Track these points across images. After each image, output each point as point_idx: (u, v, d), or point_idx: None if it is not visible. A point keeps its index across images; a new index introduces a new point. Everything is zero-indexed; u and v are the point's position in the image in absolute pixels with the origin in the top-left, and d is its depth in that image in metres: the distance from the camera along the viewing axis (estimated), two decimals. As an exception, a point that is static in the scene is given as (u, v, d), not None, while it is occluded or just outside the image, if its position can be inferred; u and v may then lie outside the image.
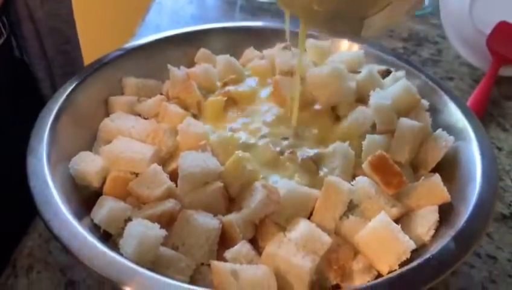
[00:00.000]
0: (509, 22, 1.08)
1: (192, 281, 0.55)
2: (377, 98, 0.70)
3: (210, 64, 0.82)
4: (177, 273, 0.54)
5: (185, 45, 0.88)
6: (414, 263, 0.53)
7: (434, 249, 0.55)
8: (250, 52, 0.89)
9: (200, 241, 0.56)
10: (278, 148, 0.69)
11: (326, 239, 0.56)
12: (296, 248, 0.55)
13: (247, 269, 0.53)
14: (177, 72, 0.79)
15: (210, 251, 0.57)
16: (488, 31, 1.08)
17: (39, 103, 0.89)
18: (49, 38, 0.88)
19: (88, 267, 0.51)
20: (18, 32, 0.87)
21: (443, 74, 1.13)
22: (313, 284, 0.55)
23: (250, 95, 0.77)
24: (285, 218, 0.60)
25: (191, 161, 0.60)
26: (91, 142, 0.72)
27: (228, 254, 0.55)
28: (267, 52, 0.87)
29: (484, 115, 0.99)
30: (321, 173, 0.67)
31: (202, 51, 0.87)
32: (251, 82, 0.81)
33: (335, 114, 0.75)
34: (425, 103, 0.76)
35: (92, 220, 0.60)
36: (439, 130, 0.71)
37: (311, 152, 0.68)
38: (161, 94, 0.80)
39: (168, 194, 0.61)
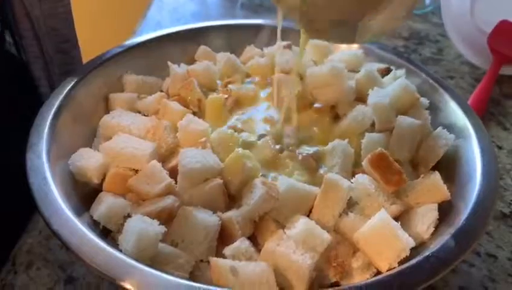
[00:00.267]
0: (510, 21, 1.07)
1: (191, 277, 0.55)
2: (376, 97, 0.70)
3: (210, 62, 0.82)
4: (177, 270, 0.54)
5: (185, 42, 0.88)
6: (413, 261, 0.53)
7: (433, 247, 0.55)
8: (250, 49, 0.89)
9: (199, 238, 0.56)
10: (277, 146, 0.68)
11: (326, 236, 0.56)
12: (295, 245, 0.55)
13: (246, 266, 0.53)
14: (178, 69, 0.79)
15: (209, 247, 0.57)
16: (489, 30, 1.08)
17: (37, 102, 0.90)
18: (47, 37, 0.88)
19: (87, 263, 0.51)
20: (16, 30, 0.87)
21: (444, 72, 1.13)
22: (312, 281, 0.55)
23: (252, 96, 0.78)
24: (285, 215, 0.60)
25: (191, 158, 0.60)
26: (91, 139, 0.72)
27: (227, 250, 0.55)
28: (267, 50, 0.86)
29: (485, 114, 0.99)
30: (321, 171, 0.67)
31: (202, 48, 0.87)
32: (252, 81, 0.81)
33: (334, 113, 0.75)
34: (424, 101, 0.76)
35: (91, 216, 0.60)
36: (439, 129, 0.71)
37: (311, 150, 0.69)
38: (161, 91, 0.80)
39: (168, 191, 0.61)
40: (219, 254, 0.56)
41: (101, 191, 0.63)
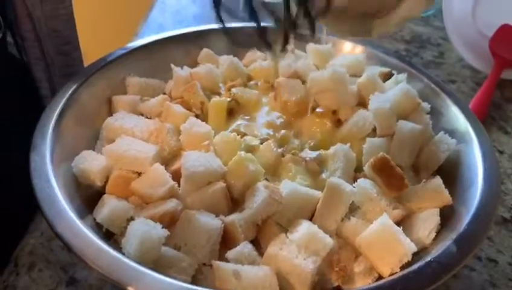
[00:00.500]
0: (512, 25, 1.08)
1: (194, 281, 0.55)
2: (377, 102, 0.70)
3: (213, 65, 0.82)
4: (179, 273, 0.54)
5: (188, 44, 0.88)
6: (415, 266, 0.53)
7: (435, 252, 0.55)
8: (253, 53, 0.89)
9: (201, 242, 0.56)
10: (280, 150, 0.69)
11: (328, 241, 0.56)
12: (297, 249, 0.55)
13: (249, 270, 0.53)
14: (181, 72, 0.79)
15: (212, 251, 0.57)
16: (490, 34, 1.09)
17: (38, 104, 0.90)
18: (48, 38, 0.88)
19: (90, 266, 0.51)
20: (17, 31, 0.87)
21: (445, 76, 1.13)
22: (314, 285, 0.55)
23: (255, 100, 0.78)
24: (287, 219, 0.60)
25: (194, 161, 0.60)
26: (94, 141, 0.72)
27: (230, 254, 0.56)
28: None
29: (486, 118, 0.99)
30: (323, 175, 0.67)
31: (205, 51, 0.87)
32: (254, 84, 0.81)
33: (336, 118, 0.75)
34: (426, 106, 0.76)
35: (94, 218, 0.60)
36: (441, 133, 0.71)
37: (313, 154, 0.69)
38: (164, 94, 0.80)
39: (171, 194, 0.61)
40: (222, 257, 0.56)
41: (104, 193, 0.64)
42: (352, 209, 0.62)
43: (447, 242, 0.55)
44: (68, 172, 0.64)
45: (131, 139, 0.67)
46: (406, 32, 1.29)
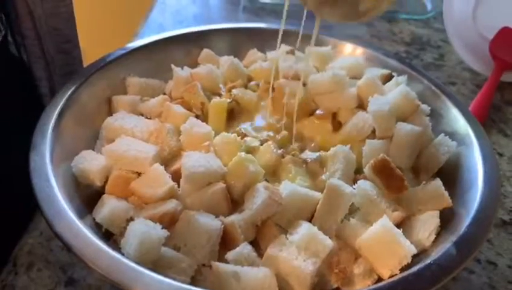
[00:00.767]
0: (513, 28, 1.08)
1: (193, 281, 0.55)
2: (376, 104, 0.70)
3: (214, 66, 0.82)
4: (179, 274, 0.54)
5: (188, 45, 0.88)
6: (415, 268, 0.53)
7: (435, 254, 0.55)
8: (253, 53, 0.89)
9: (201, 242, 0.56)
10: (280, 151, 0.69)
11: (328, 242, 0.56)
12: (297, 250, 0.55)
13: (248, 271, 0.53)
14: (181, 72, 0.79)
15: (211, 251, 0.57)
16: (491, 37, 1.08)
17: (37, 102, 0.90)
18: (48, 37, 0.88)
19: (89, 266, 0.51)
20: (17, 30, 0.87)
21: (445, 78, 1.13)
22: (313, 286, 0.55)
23: (255, 101, 0.78)
24: (287, 220, 0.60)
25: (194, 161, 0.60)
26: (93, 141, 0.72)
27: (229, 255, 0.56)
28: (270, 54, 0.87)
29: (486, 121, 1.00)
30: (323, 176, 0.67)
31: (206, 52, 0.87)
32: (254, 85, 0.81)
33: (336, 120, 0.75)
34: (425, 108, 0.76)
35: (93, 218, 0.60)
36: (441, 136, 0.71)
37: (313, 155, 0.69)
38: (164, 94, 0.80)
39: (170, 194, 0.61)
40: (221, 258, 0.56)
41: (104, 193, 0.63)
42: (352, 211, 0.62)
43: (447, 244, 0.55)
44: (68, 172, 0.64)
45: (131, 139, 0.66)
46: (406, 34, 1.29)
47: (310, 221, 0.60)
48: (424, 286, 0.51)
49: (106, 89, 0.77)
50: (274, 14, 1.31)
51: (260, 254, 0.57)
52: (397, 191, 0.63)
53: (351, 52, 0.90)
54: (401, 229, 0.58)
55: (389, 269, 0.55)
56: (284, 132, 0.73)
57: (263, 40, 0.90)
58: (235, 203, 0.62)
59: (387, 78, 0.81)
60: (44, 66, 0.90)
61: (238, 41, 0.91)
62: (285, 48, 0.86)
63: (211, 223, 0.57)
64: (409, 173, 0.70)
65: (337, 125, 0.75)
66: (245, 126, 0.74)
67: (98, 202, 0.62)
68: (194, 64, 0.85)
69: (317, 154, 0.69)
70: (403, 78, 0.82)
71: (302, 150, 0.71)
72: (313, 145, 0.72)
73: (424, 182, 0.65)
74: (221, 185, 0.60)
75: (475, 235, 0.57)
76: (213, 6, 1.38)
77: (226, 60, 0.83)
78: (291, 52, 0.83)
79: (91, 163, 0.64)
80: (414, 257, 0.55)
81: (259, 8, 1.33)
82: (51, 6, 0.86)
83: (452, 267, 0.53)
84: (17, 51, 0.90)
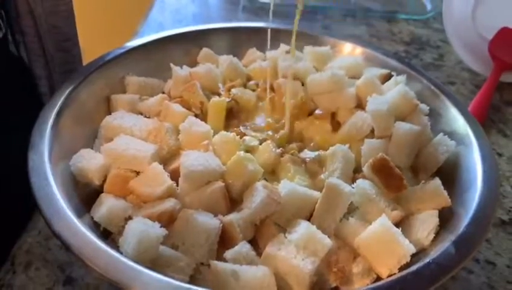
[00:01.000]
0: (512, 28, 1.08)
1: (192, 280, 0.55)
2: (374, 104, 0.70)
3: (213, 65, 0.82)
4: (177, 273, 0.53)
5: (187, 44, 0.88)
6: (414, 267, 0.53)
7: (434, 253, 0.55)
8: (252, 52, 0.89)
9: (200, 241, 0.56)
10: (279, 150, 0.69)
11: (327, 241, 0.56)
12: (296, 249, 0.55)
13: (247, 270, 0.53)
14: (180, 71, 0.79)
15: (210, 250, 0.57)
16: (490, 37, 1.09)
17: (36, 101, 0.90)
18: (48, 35, 0.88)
19: (87, 265, 0.51)
20: (17, 28, 0.87)
21: (444, 78, 1.13)
22: (312, 285, 0.55)
23: (254, 101, 0.78)
24: (286, 219, 0.60)
25: (193, 160, 0.60)
26: (92, 140, 0.72)
27: (228, 254, 0.55)
28: (269, 54, 0.86)
29: (485, 121, 1.00)
30: (321, 175, 0.67)
31: (205, 51, 0.87)
32: (253, 84, 0.81)
33: (335, 119, 0.75)
34: (424, 107, 0.76)
35: (92, 217, 0.60)
36: (440, 135, 0.71)
37: (312, 154, 0.69)
38: (163, 93, 0.80)
39: (169, 193, 0.61)
40: (220, 257, 0.56)
41: (102, 192, 0.63)
42: (351, 210, 0.62)
43: (446, 244, 0.55)
44: (66, 171, 0.64)
45: (129, 138, 0.66)
46: (405, 34, 1.29)
47: (308, 220, 0.60)
48: (422, 285, 0.51)
49: (105, 88, 0.77)
50: (273, 13, 1.31)
51: (259, 253, 0.57)
52: (396, 191, 0.63)
53: (350, 52, 0.90)
54: (400, 229, 0.58)
55: (387, 268, 0.55)
56: (283, 131, 0.73)
57: (262, 39, 0.90)
58: (233, 202, 0.62)
59: (386, 78, 0.81)
60: (44, 64, 0.90)
61: (237, 41, 0.91)
62: (284, 47, 0.86)
63: (210, 222, 0.57)
64: (407, 172, 0.70)
65: (336, 124, 0.75)
66: (244, 125, 0.73)
67: (96, 200, 0.62)
68: (193, 64, 0.85)
69: (316, 153, 0.69)
70: (402, 78, 0.82)
71: (301, 150, 0.71)
72: (312, 144, 0.73)
73: (423, 182, 0.65)
74: (220, 184, 0.60)
75: (474, 234, 0.57)
76: (212, 6, 1.38)
77: (225, 60, 0.83)
78: (289, 52, 0.83)
79: (90, 162, 0.64)
80: (413, 256, 0.55)
81: (258, 7, 1.33)
82: (50, 4, 0.86)
83: (451, 266, 0.53)
84: (17, 50, 0.90)
